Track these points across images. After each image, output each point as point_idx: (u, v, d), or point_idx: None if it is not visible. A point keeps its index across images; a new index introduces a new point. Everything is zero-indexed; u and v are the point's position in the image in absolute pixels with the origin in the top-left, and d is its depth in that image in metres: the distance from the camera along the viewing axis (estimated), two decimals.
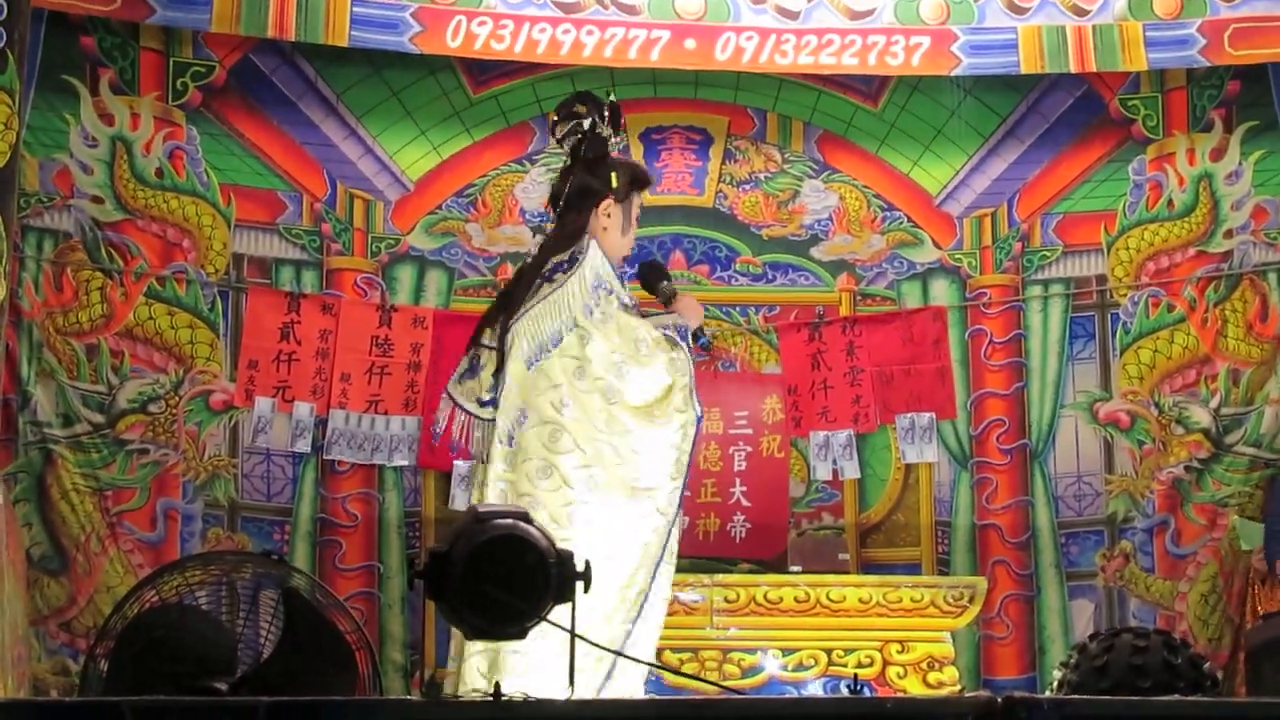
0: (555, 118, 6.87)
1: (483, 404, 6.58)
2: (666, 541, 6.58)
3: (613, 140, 6.82)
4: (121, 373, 8.96)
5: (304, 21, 8.87)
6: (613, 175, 6.70)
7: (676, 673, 6.85)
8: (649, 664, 6.56)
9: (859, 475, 9.53)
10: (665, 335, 6.68)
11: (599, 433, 6.51)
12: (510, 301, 6.64)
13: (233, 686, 4.87)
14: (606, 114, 6.77)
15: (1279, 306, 9.37)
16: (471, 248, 9.60)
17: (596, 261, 6.64)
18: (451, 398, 6.66)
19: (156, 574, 5.23)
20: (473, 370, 6.65)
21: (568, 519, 6.37)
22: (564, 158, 7.05)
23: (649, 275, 7.17)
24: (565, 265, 6.62)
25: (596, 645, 5.86)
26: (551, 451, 6.46)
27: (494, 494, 6.39)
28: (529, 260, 6.80)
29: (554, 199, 6.86)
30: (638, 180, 6.91)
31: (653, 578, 6.52)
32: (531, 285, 6.63)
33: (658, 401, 6.59)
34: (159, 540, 8.91)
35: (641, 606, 6.48)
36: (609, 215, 6.75)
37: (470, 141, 9.64)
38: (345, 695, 4.86)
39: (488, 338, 6.65)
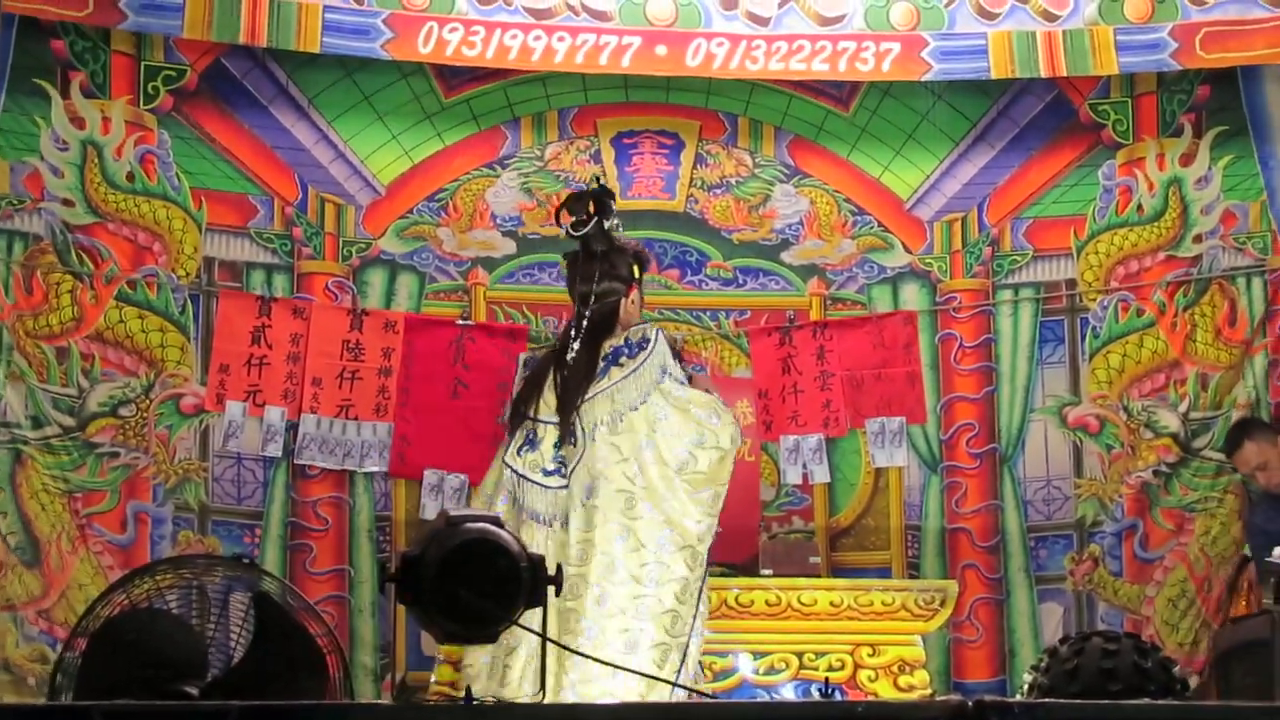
0: (565, 212, 7.66)
1: (547, 474, 7.29)
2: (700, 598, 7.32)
3: (617, 227, 7.64)
4: (92, 376, 8.94)
5: (276, 28, 8.89)
6: (632, 266, 7.58)
7: (648, 676, 6.86)
8: (624, 669, 6.65)
9: (829, 479, 9.53)
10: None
11: (664, 500, 7.23)
12: (571, 383, 7.35)
13: (203, 690, 4.86)
14: (613, 205, 7.62)
15: (1248, 311, 9.40)
16: (443, 252, 9.60)
17: (664, 348, 7.46)
18: (514, 470, 7.34)
19: (127, 578, 5.22)
20: (531, 444, 7.37)
21: (645, 577, 7.12)
22: (569, 238, 7.77)
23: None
24: (630, 351, 7.44)
25: (572, 651, 6.07)
26: (628, 517, 7.18)
27: (575, 553, 7.11)
28: (574, 346, 7.44)
29: (578, 283, 7.60)
30: (644, 264, 7.78)
31: (691, 633, 7.25)
32: (593, 369, 7.37)
33: (716, 467, 7.37)
34: (129, 543, 8.89)
35: (682, 662, 7.17)
36: (633, 302, 7.62)
37: (441, 146, 9.64)
38: (316, 699, 4.86)
39: (543, 414, 7.38)
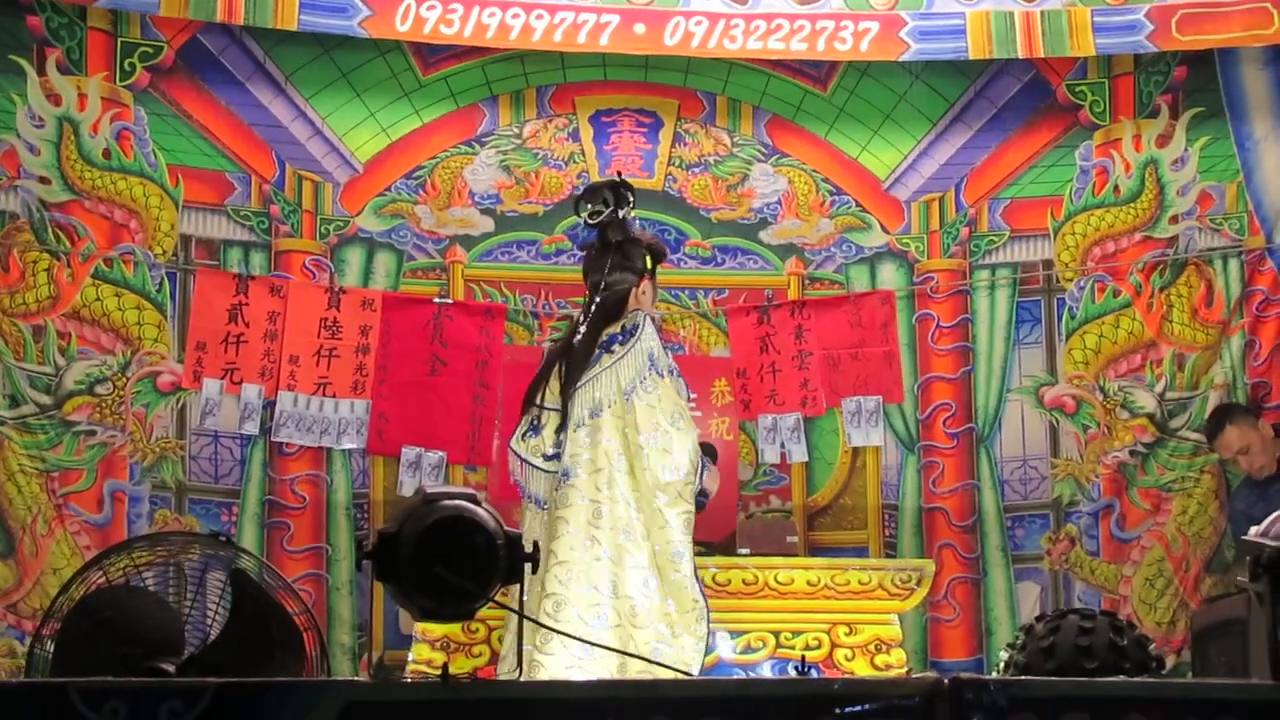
0: (583, 200, 7.73)
1: (547, 458, 7.39)
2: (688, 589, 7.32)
3: (630, 216, 7.71)
4: (69, 354, 8.92)
5: (253, 5, 8.88)
6: (645, 258, 7.62)
7: (626, 654, 6.87)
8: (607, 649, 6.70)
9: (806, 458, 9.56)
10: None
11: (634, 491, 7.30)
12: (571, 369, 7.44)
13: (180, 668, 4.86)
14: (630, 198, 7.66)
15: (1224, 291, 9.42)
16: (420, 230, 9.59)
17: (650, 336, 7.47)
18: (518, 455, 7.47)
19: (103, 555, 5.21)
20: (534, 429, 7.47)
21: (615, 560, 7.18)
22: (584, 225, 7.87)
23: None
24: (621, 338, 7.47)
25: (544, 626, 6.11)
26: (604, 497, 7.27)
27: (551, 529, 7.20)
28: (580, 332, 7.51)
29: (591, 272, 7.67)
30: (658, 256, 7.79)
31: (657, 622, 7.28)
32: (590, 355, 7.44)
33: (679, 482, 7.32)
34: (106, 522, 8.88)
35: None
36: (645, 292, 7.62)
37: (419, 123, 9.63)
38: (293, 677, 4.85)
39: (548, 400, 7.46)
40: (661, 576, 7.20)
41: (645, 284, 7.61)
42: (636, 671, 6.79)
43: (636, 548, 7.18)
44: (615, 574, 7.10)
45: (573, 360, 7.48)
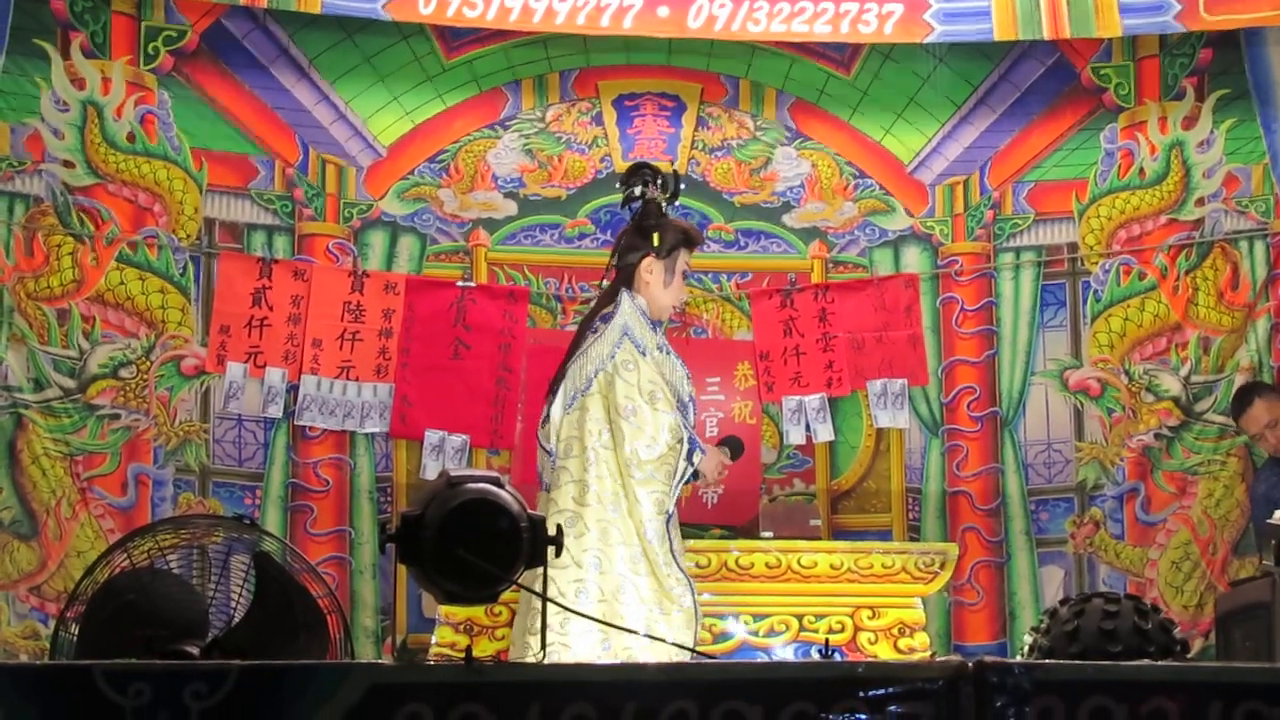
0: (620, 184, 7.58)
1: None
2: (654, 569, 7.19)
3: (667, 205, 7.51)
4: (92, 338, 8.94)
5: None
6: (655, 235, 7.40)
7: (647, 637, 6.88)
8: (622, 629, 6.68)
9: (833, 437, 9.55)
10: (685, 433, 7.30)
11: (618, 467, 7.20)
12: (571, 351, 7.39)
13: (204, 650, 4.87)
14: (661, 180, 7.48)
15: (1249, 274, 9.40)
16: (444, 213, 9.60)
17: (627, 312, 7.33)
18: (539, 441, 7.42)
19: (127, 538, 5.21)
20: (549, 416, 7.39)
21: (601, 536, 7.09)
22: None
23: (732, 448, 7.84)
24: (607, 316, 7.35)
25: (571, 611, 6.12)
26: (591, 476, 7.18)
27: (546, 511, 7.07)
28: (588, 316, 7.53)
29: (612, 254, 7.57)
30: (685, 240, 7.56)
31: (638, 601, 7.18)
32: (582, 336, 7.40)
33: (654, 461, 7.18)
34: (130, 505, 8.90)
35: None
36: (650, 271, 7.41)
37: (443, 107, 9.63)
38: (316, 660, 4.86)
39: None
40: (645, 553, 7.16)
41: (650, 262, 7.39)
42: (623, 648, 6.80)
43: (623, 522, 7.12)
44: (601, 550, 7.05)
45: (574, 342, 7.45)
